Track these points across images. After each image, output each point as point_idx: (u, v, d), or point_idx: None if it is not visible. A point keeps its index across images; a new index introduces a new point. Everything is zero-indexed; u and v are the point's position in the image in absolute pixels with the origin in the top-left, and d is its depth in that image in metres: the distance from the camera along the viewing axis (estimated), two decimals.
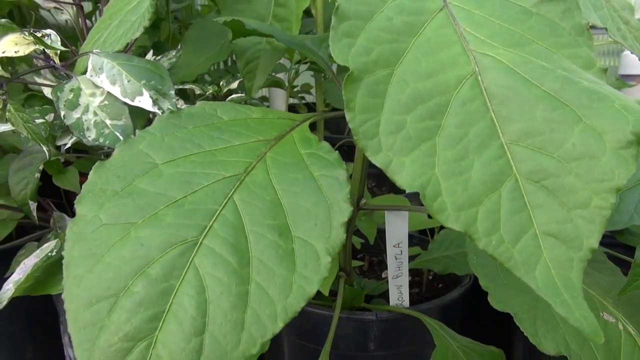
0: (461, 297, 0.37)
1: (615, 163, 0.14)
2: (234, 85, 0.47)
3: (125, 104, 0.23)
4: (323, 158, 0.20)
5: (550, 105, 0.16)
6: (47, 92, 0.32)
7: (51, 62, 0.24)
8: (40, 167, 0.32)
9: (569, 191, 0.15)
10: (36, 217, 0.32)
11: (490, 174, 0.16)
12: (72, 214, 0.47)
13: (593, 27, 0.21)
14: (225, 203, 0.19)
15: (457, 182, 0.16)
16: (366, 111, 0.17)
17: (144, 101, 0.23)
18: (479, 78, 0.17)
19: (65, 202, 0.51)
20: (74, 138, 0.36)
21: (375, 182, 0.70)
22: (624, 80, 0.67)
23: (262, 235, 0.18)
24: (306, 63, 0.61)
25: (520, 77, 0.17)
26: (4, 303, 0.26)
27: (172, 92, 0.24)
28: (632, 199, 0.20)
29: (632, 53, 0.25)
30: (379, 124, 0.17)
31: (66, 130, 0.38)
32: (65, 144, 0.37)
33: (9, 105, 0.22)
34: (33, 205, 0.31)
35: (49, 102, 0.39)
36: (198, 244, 0.17)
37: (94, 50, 0.24)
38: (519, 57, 0.17)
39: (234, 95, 0.45)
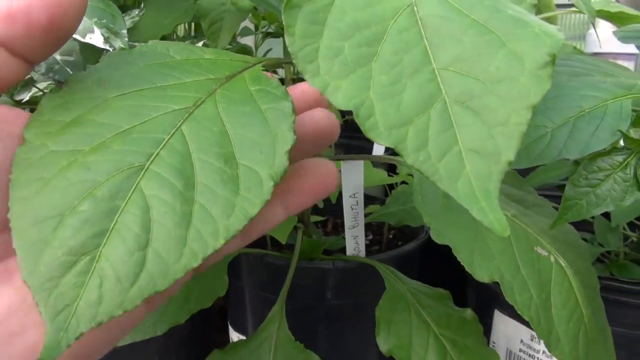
0: (417, 248, 0.38)
1: (532, 83, 0.16)
2: (199, 45, 0.47)
3: (76, 40, 0.23)
4: (271, 93, 0.21)
5: (479, 32, 0.17)
6: None
7: None
8: None
9: (490, 110, 0.16)
10: None
11: (421, 96, 0.16)
12: None
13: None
14: (174, 133, 0.19)
15: (390, 104, 0.16)
16: (306, 37, 0.17)
17: (95, 38, 0.23)
18: (415, 9, 0.18)
19: None
20: (33, 91, 0.36)
21: (344, 151, 0.71)
22: None
23: (207, 162, 0.18)
24: (275, 36, 0.61)
25: (452, 7, 0.17)
26: None
27: (124, 31, 0.24)
28: (562, 136, 0.21)
29: (575, 5, 0.26)
30: (318, 49, 0.17)
31: (25, 84, 0.37)
32: (23, 99, 0.37)
33: None
34: None
35: None
36: (144, 169, 0.18)
37: None
38: None
39: None
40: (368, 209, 0.42)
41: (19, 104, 0.35)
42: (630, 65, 0.93)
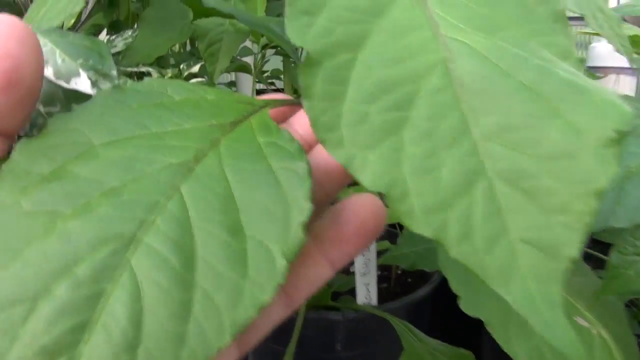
0: (430, 294, 0.36)
1: (596, 163, 0.13)
2: (196, 68, 0.44)
3: (60, 87, 0.21)
4: (283, 148, 0.18)
5: (527, 97, 0.14)
6: None
7: None
8: None
9: (547, 194, 0.13)
10: None
11: (462, 173, 0.14)
12: None
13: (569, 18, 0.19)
14: (171, 195, 0.16)
15: (427, 182, 0.14)
16: (327, 99, 0.15)
17: (81, 83, 0.20)
18: (449, 66, 0.15)
19: None
20: None
21: None
22: (592, 72, 0.68)
23: (210, 233, 0.16)
24: (274, 48, 0.59)
25: (493, 65, 0.15)
26: None
27: (114, 72, 0.21)
28: (608, 200, 0.19)
29: (608, 42, 0.24)
30: (341, 114, 0.15)
31: None
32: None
33: None
34: None
35: None
36: (136, 241, 0.15)
37: None
38: (492, 44, 0.16)
39: (194, 80, 0.42)
40: (378, 246, 0.39)
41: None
42: (632, 80, 0.91)
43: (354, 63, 0.15)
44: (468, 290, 0.21)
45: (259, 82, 0.77)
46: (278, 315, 0.18)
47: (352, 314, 0.31)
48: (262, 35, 0.59)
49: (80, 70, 0.21)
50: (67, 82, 0.20)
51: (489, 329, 0.20)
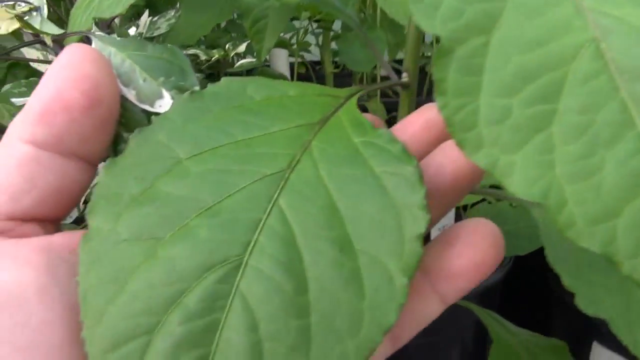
0: (502, 279, 0.34)
1: None
2: (242, 48, 0.43)
3: (145, 112, 0.19)
4: (385, 149, 0.16)
5: None
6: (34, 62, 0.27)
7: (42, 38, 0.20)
8: None
9: None
10: None
11: (628, 174, 0.12)
12: None
13: None
14: (270, 210, 0.15)
15: (587, 187, 0.12)
16: (461, 94, 0.13)
17: (165, 105, 0.19)
18: (601, 46, 0.13)
19: None
20: None
21: None
22: None
23: (319, 251, 0.14)
24: (316, 21, 0.56)
25: None
26: None
27: (197, 87, 0.19)
28: None
29: None
30: (478, 110, 0.13)
31: None
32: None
33: None
34: None
35: (34, 72, 0.34)
36: (243, 265, 0.14)
37: (96, 33, 0.19)
38: None
39: (243, 61, 0.41)
40: None
41: None
42: None
43: (487, 48, 0.13)
44: (583, 285, 0.20)
45: (291, 55, 0.74)
46: (381, 356, 0.16)
47: None
48: (305, 10, 0.56)
49: (163, 91, 0.19)
50: (152, 105, 0.19)
51: (614, 329, 0.19)
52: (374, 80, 0.67)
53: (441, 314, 0.34)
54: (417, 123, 0.18)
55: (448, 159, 0.16)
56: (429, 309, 0.16)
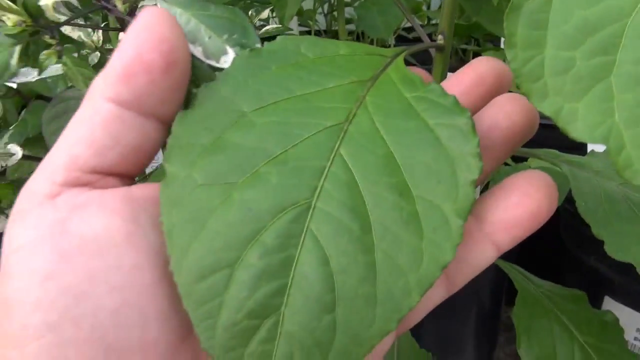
0: None
1: None
2: (264, 14, 0.43)
3: (212, 67, 0.19)
4: (437, 103, 0.17)
5: None
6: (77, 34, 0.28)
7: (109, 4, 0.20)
8: None
9: None
10: None
11: None
12: None
13: None
14: (333, 158, 0.16)
15: None
16: (528, 47, 0.14)
17: (230, 61, 0.19)
18: None
19: None
20: None
21: None
22: None
23: (380, 196, 0.16)
24: None
25: None
26: None
27: (259, 45, 0.20)
28: None
29: None
30: (544, 62, 0.14)
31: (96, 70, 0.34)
32: None
33: (65, 58, 0.19)
34: None
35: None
36: (312, 207, 0.15)
37: None
38: None
39: (269, 27, 0.41)
40: None
41: None
42: None
43: (550, 3, 0.14)
44: (612, 235, 0.21)
45: (300, 25, 0.74)
46: (438, 298, 0.18)
47: None
48: None
49: (227, 47, 0.19)
50: (217, 61, 0.19)
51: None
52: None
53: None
54: (468, 77, 0.19)
55: (502, 114, 0.17)
56: (484, 256, 0.17)
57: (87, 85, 0.20)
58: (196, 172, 0.15)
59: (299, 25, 0.73)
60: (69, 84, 0.36)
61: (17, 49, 0.19)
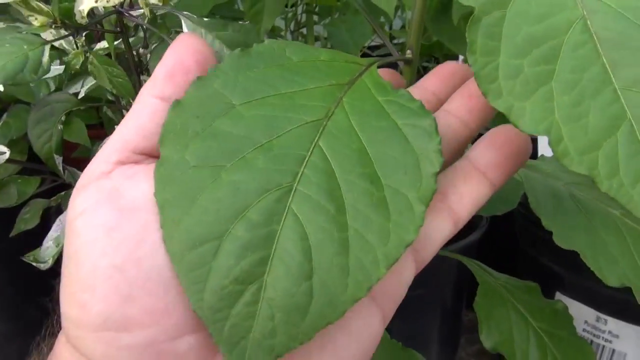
0: (479, 239, 0.39)
1: None
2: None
3: None
4: (405, 106, 0.20)
5: None
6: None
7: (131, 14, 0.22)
8: (63, 118, 0.29)
9: None
10: (62, 172, 0.30)
11: (606, 118, 0.16)
12: (75, 167, 0.45)
13: None
14: (313, 149, 0.18)
15: (577, 127, 0.16)
16: (486, 54, 0.16)
17: None
18: (588, 22, 0.17)
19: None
20: (91, 83, 0.34)
21: None
22: None
23: (353, 183, 0.18)
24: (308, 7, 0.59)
25: (630, 22, 0.17)
26: (50, 263, 0.25)
27: None
28: None
29: None
30: (498, 67, 0.16)
31: (73, 77, 0.35)
32: (78, 92, 0.34)
33: (91, 56, 0.20)
34: (59, 159, 0.29)
35: None
36: (293, 190, 0.17)
37: (184, 13, 0.21)
38: (628, 2, 0.17)
39: None
40: None
41: (76, 97, 0.33)
42: None
43: (503, 20, 0.17)
44: (559, 226, 0.24)
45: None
46: (409, 275, 0.20)
47: None
48: None
49: None
50: None
51: (583, 258, 0.23)
52: None
53: (431, 271, 0.37)
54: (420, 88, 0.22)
55: (453, 119, 0.20)
56: (443, 232, 0.20)
57: (112, 83, 0.22)
58: (188, 154, 0.17)
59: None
60: (51, 89, 0.37)
61: (47, 48, 0.20)
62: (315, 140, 0.18)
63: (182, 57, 0.18)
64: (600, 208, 0.26)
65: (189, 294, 0.15)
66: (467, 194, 0.20)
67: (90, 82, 0.33)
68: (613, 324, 0.36)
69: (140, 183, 0.17)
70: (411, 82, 0.30)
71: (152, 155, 0.18)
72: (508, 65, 0.16)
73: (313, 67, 0.21)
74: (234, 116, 0.18)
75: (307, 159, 0.18)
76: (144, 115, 0.18)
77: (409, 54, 0.29)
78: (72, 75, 0.36)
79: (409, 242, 0.17)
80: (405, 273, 0.20)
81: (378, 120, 0.19)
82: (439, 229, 0.20)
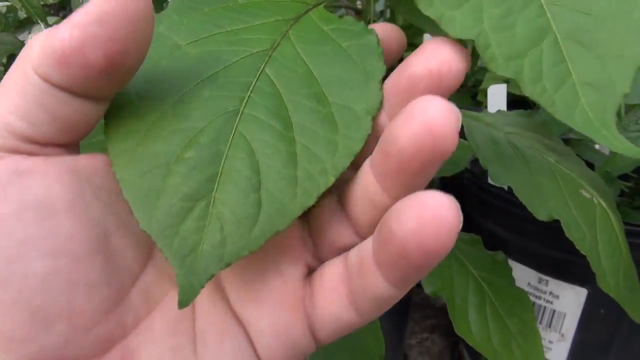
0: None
1: None
2: None
3: None
4: (348, 30, 0.20)
5: None
6: None
7: None
8: (4, 60, 0.27)
9: (602, 45, 0.16)
10: None
11: (532, 30, 0.17)
12: None
13: None
14: (259, 75, 0.18)
15: (504, 36, 0.17)
16: None
17: None
18: None
19: None
20: (35, 30, 0.32)
21: None
22: None
23: (300, 103, 0.18)
24: None
25: None
26: None
27: None
28: None
29: None
30: None
31: (22, 24, 0.34)
32: (24, 41, 0.33)
33: None
34: None
35: None
36: (240, 113, 0.17)
37: None
38: None
39: None
40: None
41: (22, 43, 0.32)
42: None
43: None
44: (495, 166, 0.25)
45: None
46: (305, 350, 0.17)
47: None
48: None
49: None
50: None
51: (516, 193, 0.24)
52: None
53: None
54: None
55: (372, 186, 0.16)
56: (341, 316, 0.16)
57: (24, 2, 0.20)
58: (135, 94, 0.17)
59: None
60: None
61: None
62: (262, 68, 0.18)
63: (85, 44, 0.13)
64: (536, 154, 0.27)
65: (139, 217, 0.15)
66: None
67: (38, 30, 0.32)
68: (554, 285, 0.37)
69: (33, 184, 0.14)
70: None
71: (45, 144, 0.15)
72: None
73: (259, 6, 0.21)
74: (180, 55, 0.18)
75: (253, 84, 0.18)
76: (28, 96, 0.14)
77: (359, 4, 0.30)
78: (20, 22, 0.35)
79: (356, 152, 0.17)
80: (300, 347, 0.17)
81: (323, 45, 0.19)
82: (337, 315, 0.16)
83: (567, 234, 0.23)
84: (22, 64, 0.14)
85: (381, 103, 0.18)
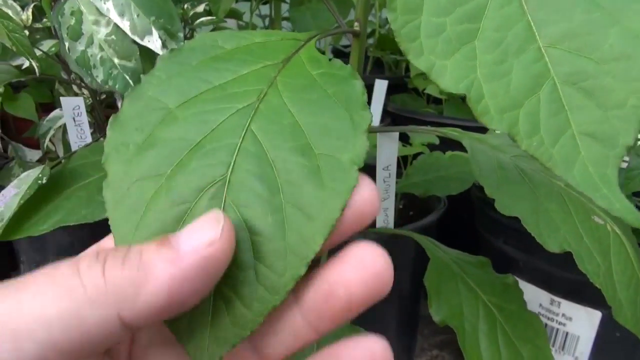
0: (439, 219, 0.39)
1: None
2: (200, 8, 0.44)
3: (136, 43, 0.20)
4: (336, 75, 0.19)
5: (587, 8, 0.16)
6: None
7: None
8: (1, 90, 0.28)
9: (605, 92, 0.15)
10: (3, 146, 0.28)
11: (529, 77, 0.16)
12: (23, 144, 0.43)
13: None
14: (244, 135, 0.18)
15: (499, 85, 0.16)
16: (407, 12, 0.16)
17: (153, 42, 0.21)
18: None
19: (15, 130, 0.46)
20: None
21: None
22: None
23: (285, 159, 0.17)
24: None
25: None
26: None
27: (181, 34, 0.21)
28: None
29: None
30: (420, 26, 0.16)
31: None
32: (21, 64, 0.33)
33: None
34: None
35: None
36: (227, 182, 0.17)
37: None
38: None
39: (203, 19, 0.42)
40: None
41: (19, 69, 0.32)
42: None
43: None
44: (501, 194, 0.24)
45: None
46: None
47: (374, 236, 0.33)
48: None
49: (153, 29, 0.21)
50: (142, 39, 0.20)
51: (525, 224, 0.23)
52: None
53: (390, 250, 0.37)
54: None
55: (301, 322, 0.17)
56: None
57: (12, 39, 0.20)
58: (132, 169, 0.17)
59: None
60: None
61: None
62: (247, 125, 0.18)
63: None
64: (545, 179, 0.26)
65: None
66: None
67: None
68: (566, 307, 0.36)
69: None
70: (360, 55, 0.30)
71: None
72: (430, 23, 0.16)
73: (247, 51, 0.21)
74: (171, 120, 0.18)
75: (238, 146, 0.17)
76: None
77: (356, 26, 0.29)
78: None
79: (344, 205, 0.17)
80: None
81: (310, 93, 0.19)
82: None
83: (580, 266, 0.22)
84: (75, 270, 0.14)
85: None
